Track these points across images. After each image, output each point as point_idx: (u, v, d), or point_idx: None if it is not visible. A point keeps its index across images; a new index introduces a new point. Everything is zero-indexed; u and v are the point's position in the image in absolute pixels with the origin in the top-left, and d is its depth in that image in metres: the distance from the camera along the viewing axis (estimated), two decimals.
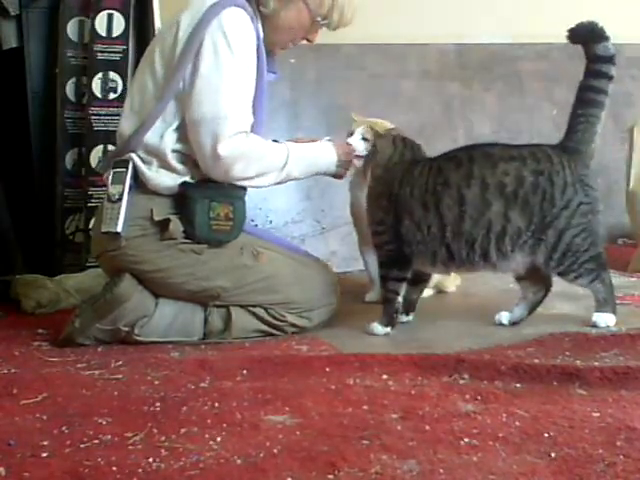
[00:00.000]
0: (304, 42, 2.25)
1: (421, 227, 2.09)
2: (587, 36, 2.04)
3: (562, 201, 2.02)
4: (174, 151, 2.05)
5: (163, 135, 2.04)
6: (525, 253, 2.04)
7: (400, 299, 2.15)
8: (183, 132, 2.05)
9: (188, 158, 2.07)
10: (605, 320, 2.06)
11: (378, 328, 2.11)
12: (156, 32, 2.91)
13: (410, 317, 2.27)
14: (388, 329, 2.11)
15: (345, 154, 2.21)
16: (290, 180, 2.18)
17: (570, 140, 2.07)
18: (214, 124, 1.99)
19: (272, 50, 2.20)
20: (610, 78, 2.04)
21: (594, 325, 2.05)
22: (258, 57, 2.09)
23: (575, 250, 2.03)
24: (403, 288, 2.15)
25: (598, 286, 2.07)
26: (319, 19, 2.15)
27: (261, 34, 2.12)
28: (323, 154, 2.20)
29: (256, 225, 3.13)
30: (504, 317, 2.13)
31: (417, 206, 2.09)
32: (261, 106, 2.11)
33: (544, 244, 2.03)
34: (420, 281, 2.26)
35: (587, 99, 2.05)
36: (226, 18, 2.00)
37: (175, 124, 2.05)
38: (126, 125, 2.11)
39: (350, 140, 2.35)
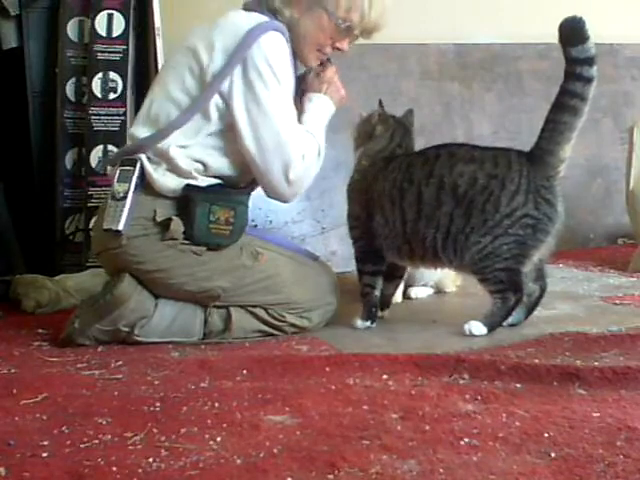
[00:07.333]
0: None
1: (388, 222, 2.12)
2: (566, 36, 1.92)
3: (507, 208, 1.97)
4: (188, 157, 2.05)
5: (180, 145, 2.04)
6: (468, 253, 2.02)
7: (377, 293, 2.19)
8: (204, 143, 2.06)
9: (201, 165, 2.07)
10: (474, 328, 2.01)
11: (358, 322, 2.17)
12: (156, 32, 2.92)
13: (385, 313, 2.29)
14: (368, 323, 2.17)
15: (337, 92, 2.22)
16: None
17: (537, 147, 2.00)
18: (279, 152, 2.04)
19: (306, 64, 2.20)
20: (588, 81, 1.91)
21: (463, 331, 2.01)
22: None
23: (496, 254, 1.98)
24: (379, 282, 2.20)
25: (497, 301, 2.02)
26: (340, 22, 2.13)
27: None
28: (326, 111, 2.20)
29: (255, 225, 3.13)
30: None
31: (387, 201, 2.12)
32: None
33: (478, 246, 2.00)
34: (394, 277, 2.29)
35: (559, 103, 1.95)
36: (266, 44, 2.02)
37: (196, 138, 2.05)
38: (141, 130, 2.10)
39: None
